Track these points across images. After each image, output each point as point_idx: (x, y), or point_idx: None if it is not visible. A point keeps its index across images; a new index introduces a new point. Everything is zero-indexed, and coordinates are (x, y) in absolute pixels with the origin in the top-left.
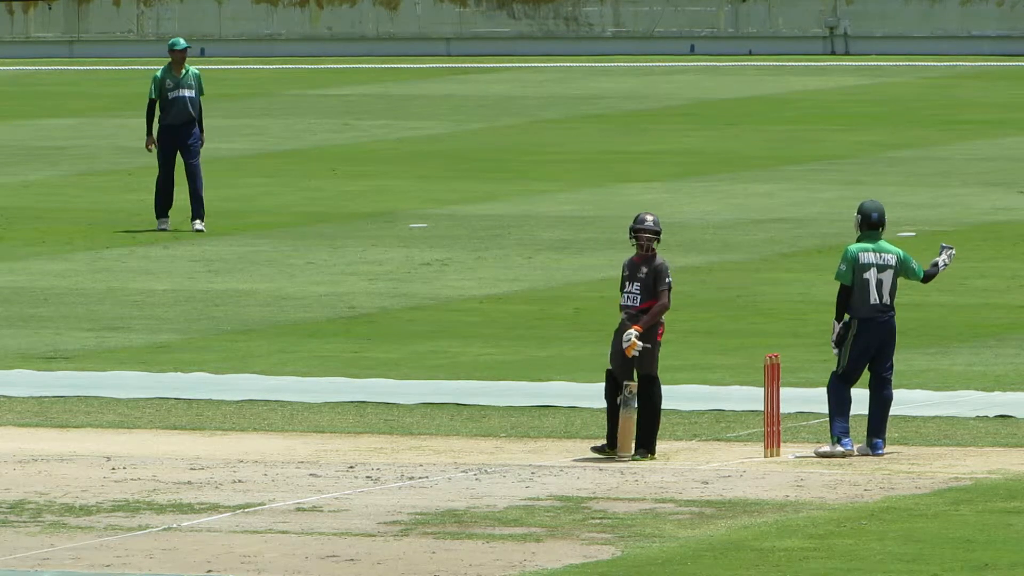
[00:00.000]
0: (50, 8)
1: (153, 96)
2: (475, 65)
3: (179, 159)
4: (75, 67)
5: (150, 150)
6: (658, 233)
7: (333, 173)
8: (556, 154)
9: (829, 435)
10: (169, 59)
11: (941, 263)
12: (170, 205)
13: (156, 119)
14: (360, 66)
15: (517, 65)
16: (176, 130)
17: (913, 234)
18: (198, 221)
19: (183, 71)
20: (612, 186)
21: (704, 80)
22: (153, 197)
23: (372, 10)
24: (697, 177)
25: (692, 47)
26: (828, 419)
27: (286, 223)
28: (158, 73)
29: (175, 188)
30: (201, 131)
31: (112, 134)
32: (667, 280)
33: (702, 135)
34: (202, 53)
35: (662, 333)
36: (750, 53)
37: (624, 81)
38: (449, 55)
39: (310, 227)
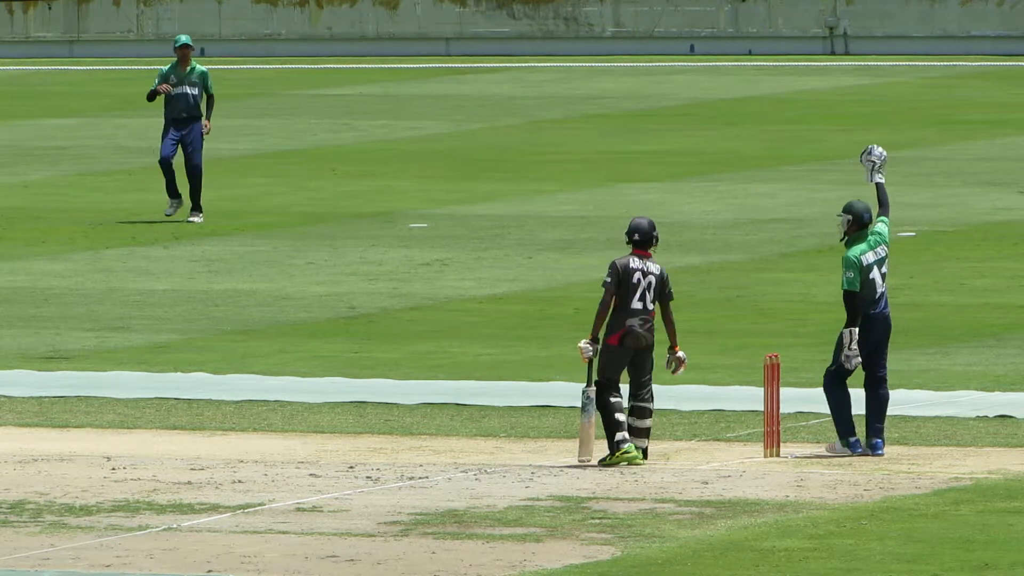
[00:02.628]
0: (50, 8)
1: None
2: (475, 65)
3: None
4: (75, 67)
5: (164, 91)
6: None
7: (333, 173)
8: (556, 154)
9: (837, 436)
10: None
11: (880, 178)
12: (176, 189)
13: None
14: (360, 66)
15: (517, 65)
16: (179, 124)
17: (913, 234)
18: (196, 214)
19: (188, 68)
20: (612, 186)
21: (704, 80)
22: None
23: (372, 10)
24: (697, 177)
25: (692, 47)
26: (833, 421)
27: (286, 223)
28: (164, 68)
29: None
30: (207, 119)
31: (112, 134)
32: (605, 279)
33: (702, 135)
34: (202, 53)
35: (615, 337)
36: (750, 53)
37: (624, 81)
38: (449, 55)
39: (310, 227)
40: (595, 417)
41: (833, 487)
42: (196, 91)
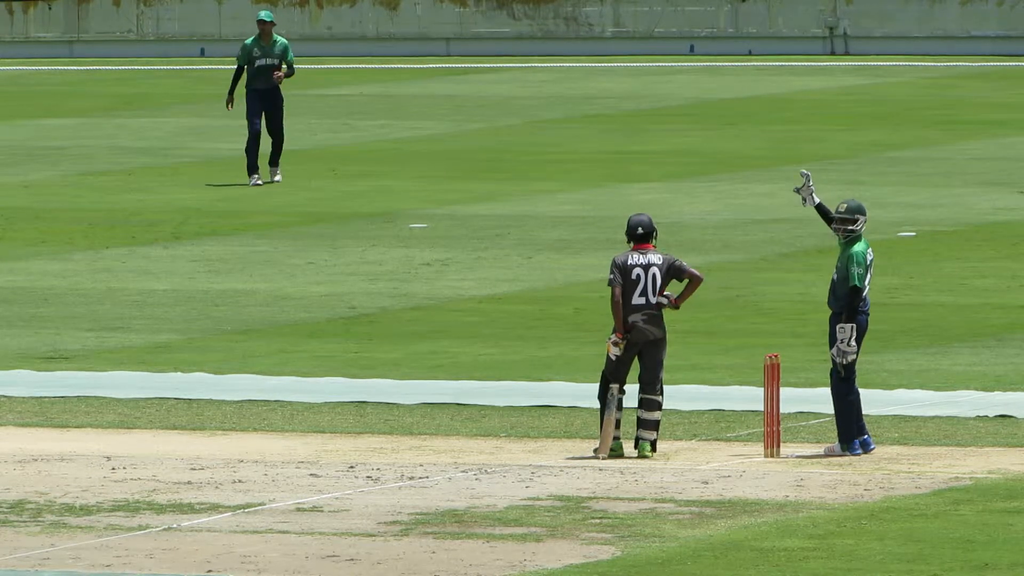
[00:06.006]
0: (50, 8)
1: (240, 63)
2: (475, 65)
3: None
4: (75, 67)
5: (228, 109)
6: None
7: (333, 173)
8: (556, 154)
9: (838, 439)
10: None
11: (817, 199)
12: (256, 165)
13: (241, 84)
14: (360, 66)
15: (517, 65)
16: (263, 94)
17: (913, 234)
18: (277, 172)
19: (272, 41)
20: (612, 186)
21: (704, 80)
22: (245, 154)
23: (372, 10)
24: (697, 177)
25: (692, 47)
26: (837, 423)
27: (286, 223)
28: (248, 41)
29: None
30: (292, 70)
31: (112, 134)
32: (609, 277)
33: (702, 135)
34: (202, 53)
35: (619, 334)
36: (750, 53)
37: (624, 81)
38: (449, 55)
39: (310, 227)
40: (615, 414)
41: (833, 487)
42: (279, 62)
